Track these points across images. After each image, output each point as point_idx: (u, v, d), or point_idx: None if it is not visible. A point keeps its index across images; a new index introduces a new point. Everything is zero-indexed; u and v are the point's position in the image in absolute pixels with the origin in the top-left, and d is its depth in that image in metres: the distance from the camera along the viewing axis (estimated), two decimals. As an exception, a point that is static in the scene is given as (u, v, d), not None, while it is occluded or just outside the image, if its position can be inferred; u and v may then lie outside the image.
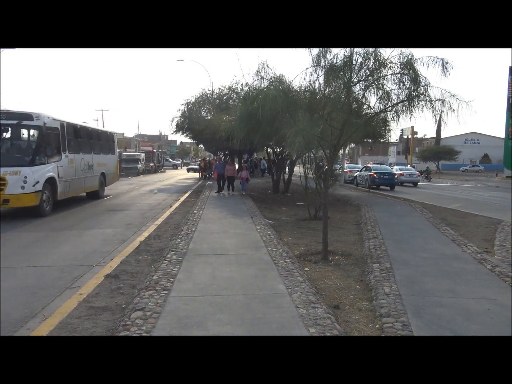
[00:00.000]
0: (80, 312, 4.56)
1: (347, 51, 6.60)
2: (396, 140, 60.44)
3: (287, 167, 19.99)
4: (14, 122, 11.47)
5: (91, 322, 4.27)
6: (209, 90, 29.12)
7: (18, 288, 5.41)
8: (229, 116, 16.02)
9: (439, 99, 6.47)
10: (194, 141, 38.51)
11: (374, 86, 6.85)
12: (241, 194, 16.95)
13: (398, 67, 6.67)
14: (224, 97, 27.49)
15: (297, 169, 22.37)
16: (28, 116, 11.61)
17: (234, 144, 9.82)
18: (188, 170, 51.35)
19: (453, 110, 6.35)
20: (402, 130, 46.24)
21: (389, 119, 7.87)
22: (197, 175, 39.20)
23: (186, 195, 18.36)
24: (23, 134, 12.34)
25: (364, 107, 7.62)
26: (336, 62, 6.67)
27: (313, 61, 6.79)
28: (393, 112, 7.14)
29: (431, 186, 27.67)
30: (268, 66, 7.59)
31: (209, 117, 26.21)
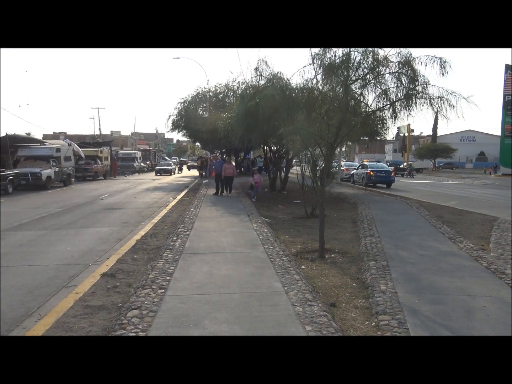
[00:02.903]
0: (76, 311, 4.54)
1: (346, 49, 6.59)
2: (393, 138, 60.61)
3: (283, 165, 19.97)
4: None
5: (87, 321, 4.26)
6: (205, 88, 29.10)
7: (14, 287, 5.39)
8: (227, 114, 15.97)
9: (438, 96, 6.49)
10: (190, 140, 38.44)
11: (372, 84, 6.85)
12: (238, 194, 16.68)
13: (396, 66, 6.67)
14: (220, 95, 27.47)
15: (293, 168, 22.38)
16: None
17: (232, 141, 9.81)
18: (157, 172, 37.51)
19: (453, 106, 6.35)
20: (398, 128, 46.27)
21: (386, 118, 7.89)
22: (187, 174, 37.59)
23: (183, 193, 18.34)
24: None
25: (362, 105, 7.63)
26: (335, 60, 6.66)
27: (312, 59, 6.77)
28: (390, 110, 7.15)
29: (430, 184, 27.74)
30: (266, 64, 7.58)
31: (206, 115, 26.19)
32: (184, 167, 52.65)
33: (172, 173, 38.31)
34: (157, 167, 39.59)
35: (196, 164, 48.10)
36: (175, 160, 58.03)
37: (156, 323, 3.98)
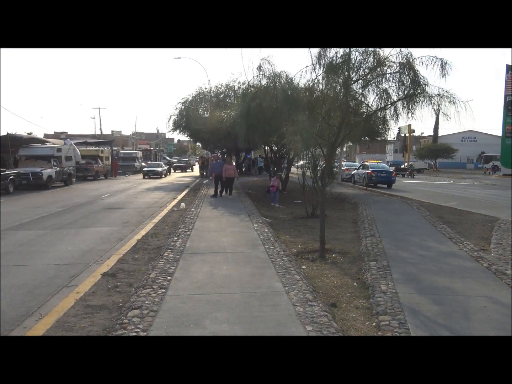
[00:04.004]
0: (77, 310, 4.55)
1: (347, 50, 6.58)
2: (394, 138, 60.53)
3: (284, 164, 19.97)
4: None
5: (88, 321, 4.27)
6: (205, 88, 29.10)
7: (14, 287, 5.39)
8: (229, 111, 15.90)
9: (437, 94, 6.49)
10: (191, 139, 38.38)
11: (372, 84, 6.84)
12: (239, 194, 16.57)
13: (397, 66, 6.67)
14: (221, 95, 27.47)
15: (293, 169, 22.38)
16: None
17: (237, 137, 9.79)
18: (145, 174, 31.26)
19: (454, 103, 6.37)
20: (399, 128, 46.32)
21: (387, 118, 7.88)
22: (184, 175, 36.51)
23: (184, 193, 18.34)
24: None
25: (363, 106, 7.62)
26: (336, 60, 6.64)
27: (315, 59, 6.75)
28: (391, 111, 7.15)
29: (431, 185, 27.72)
30: (269, 63, 7.55)
31: (207, 115, 26.18)
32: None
33: (163, 176, 32.58)
34: (144, 169, 32.85)
35: (182, 164, 47.15)
36: (175, 160, 56.02)
37: (156, 323, 3.98)
